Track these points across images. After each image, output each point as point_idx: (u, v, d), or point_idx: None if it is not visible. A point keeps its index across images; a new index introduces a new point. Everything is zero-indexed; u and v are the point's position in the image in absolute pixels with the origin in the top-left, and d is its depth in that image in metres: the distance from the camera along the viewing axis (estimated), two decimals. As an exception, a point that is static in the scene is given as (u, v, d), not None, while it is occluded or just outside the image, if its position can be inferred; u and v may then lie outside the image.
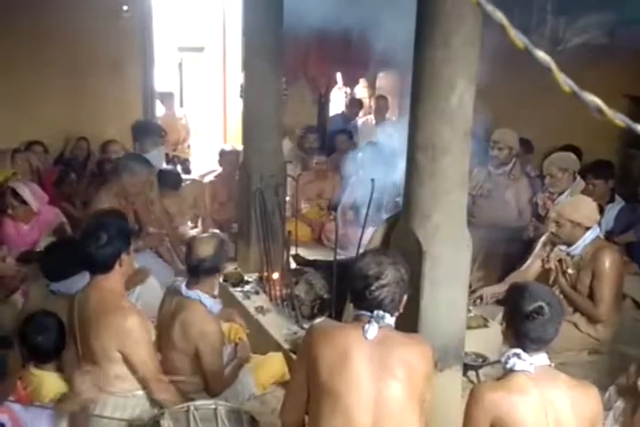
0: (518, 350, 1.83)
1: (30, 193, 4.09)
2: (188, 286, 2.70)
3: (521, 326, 1.83)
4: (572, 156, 4.25)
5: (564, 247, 3.42)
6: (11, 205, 4.09)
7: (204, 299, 2.67)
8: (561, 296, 3.30)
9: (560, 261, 3.43)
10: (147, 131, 4.84)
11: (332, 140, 6.70)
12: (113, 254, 2.38)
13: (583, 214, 3.33)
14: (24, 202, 4.07)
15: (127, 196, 3.97)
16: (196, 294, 2.66)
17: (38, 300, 2.97)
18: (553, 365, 1.91)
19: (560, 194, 4.20)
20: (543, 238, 3.63)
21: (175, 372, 2.67)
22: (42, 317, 2.57)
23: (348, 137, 6.26)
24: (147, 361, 2.40)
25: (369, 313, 1.91)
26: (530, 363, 1.81)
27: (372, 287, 1.88)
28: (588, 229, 3.34)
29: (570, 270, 3.38)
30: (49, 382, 2.45)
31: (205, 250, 2.65)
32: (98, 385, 2.36)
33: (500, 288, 3.44)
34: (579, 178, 4.22)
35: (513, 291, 1.95)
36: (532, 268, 3.59)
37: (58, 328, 2.53)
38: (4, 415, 1.94)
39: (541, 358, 1.84)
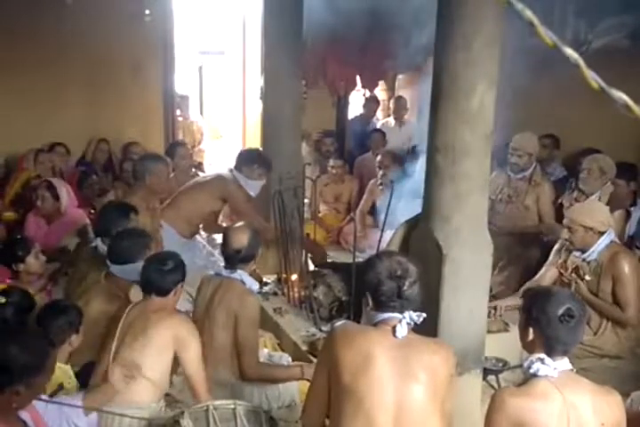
0: (542, 355, 1.80)
1: (65, 191, 4.10)
2: (228, 268, 2.87)
3: (552, 331, 1.79)
4: (614, 164, 4.17)
5: (578, 253, 3.35)
6: (41, 197, 3.97)
7: (245, 277, 2.83)
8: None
9: (577, 268, 3.36)
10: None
11: (357, 142, 6.67)
12: (173, 282, 2.55)
13: (595, 219, 3.25)
14: (56, 197, 4.01)
15: (154, 195, 3.99)
16: (237, 273, 2.82)
17: (95, 280, 3.01)
18: (574, 370, 1.89)
19: (588, 196, 4.11)
20: (557, 246, 3.56)
21: (215, 358, 2.72)
22: (59, 303, 2.62)
23: (382, 136, 6.16)
24: (198, 365, 2.47)
25: (399, 315, 1.89)
26: (554, 368, 1.78)
27: (405, 287, 1.88)
28: (602, 233, 3.27)
29: (587, 277, 3.31)
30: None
31: (240, 241, 2.81)
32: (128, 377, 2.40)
33: (515, 301, 3.33)
34: (609, 184, 4.14)
35: (536, 297, 1.88)
36: (546, 276, 3.52)
37: (73, 315, 2.58)
38: (25, 412, 1.95)
39: (564, 364, 1.82)
